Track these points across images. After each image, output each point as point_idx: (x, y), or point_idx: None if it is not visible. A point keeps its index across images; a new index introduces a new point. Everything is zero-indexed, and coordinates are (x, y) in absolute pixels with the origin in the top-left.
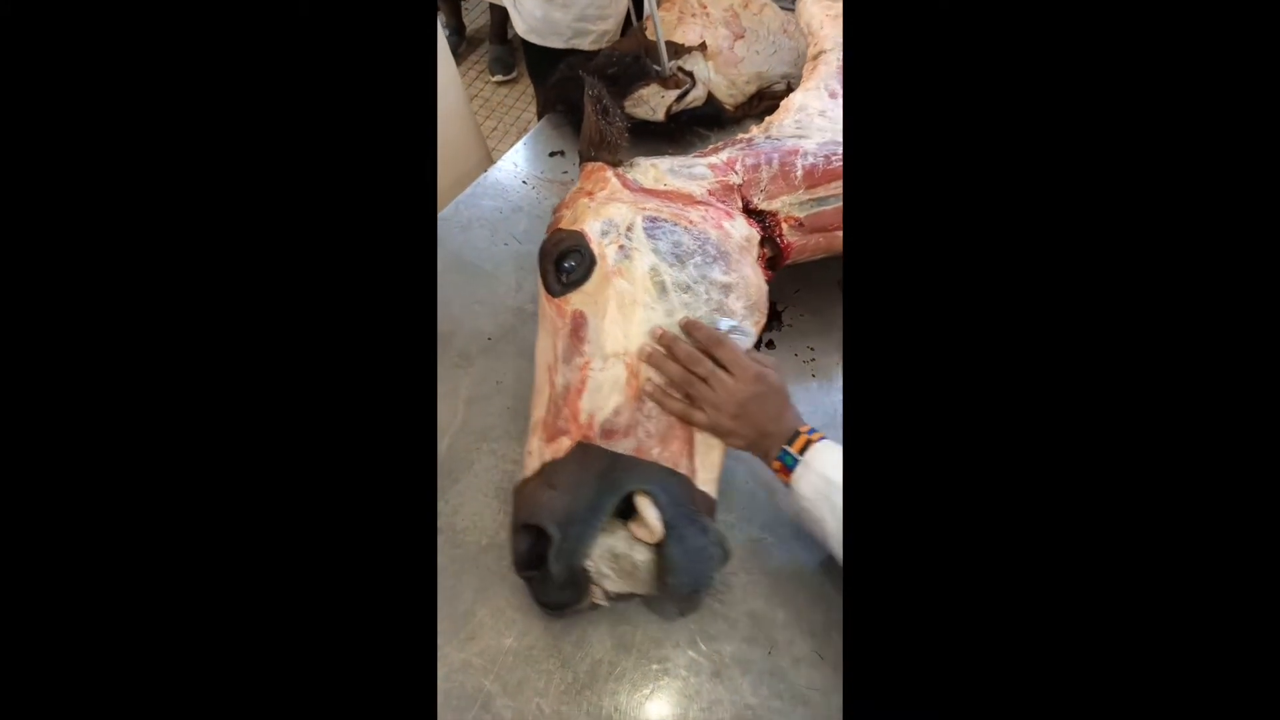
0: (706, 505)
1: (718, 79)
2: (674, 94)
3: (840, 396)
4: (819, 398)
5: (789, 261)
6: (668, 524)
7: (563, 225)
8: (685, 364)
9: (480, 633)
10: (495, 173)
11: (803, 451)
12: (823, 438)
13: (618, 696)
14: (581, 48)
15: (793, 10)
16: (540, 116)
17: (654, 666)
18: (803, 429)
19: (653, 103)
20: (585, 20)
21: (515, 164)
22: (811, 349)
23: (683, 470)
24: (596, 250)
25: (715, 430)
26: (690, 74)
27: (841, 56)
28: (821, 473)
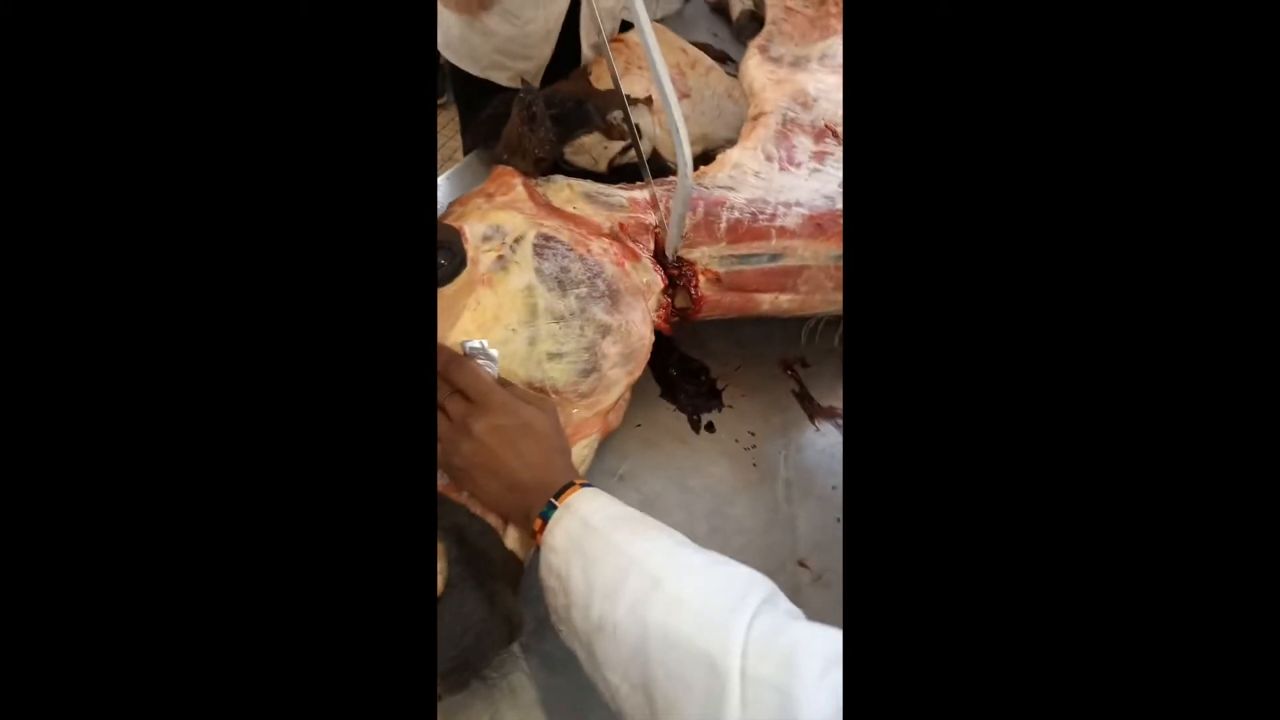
0: (509, 569)
1: (663, 135)
2: (618, 145)
3: (783, 489)
4: (760, 491)
5: (700, 317)
6: (450, 581)
7: (445, 219)
8: None
9: None
10: None
11: (559, 496)
12: (590, 485)
13: None
14: (497, 81)
15: (737, 75)
16: (466, 152)
17: None
18: (578, 481)
19: (594, 153)
20: (504, 54)
21: (437, 202)
22: (752, 434)
23: (492, 521)
24: (471, 252)
25: (449, 470)
26: (636, 126)
27: (780, 121)
28: (582, 516)
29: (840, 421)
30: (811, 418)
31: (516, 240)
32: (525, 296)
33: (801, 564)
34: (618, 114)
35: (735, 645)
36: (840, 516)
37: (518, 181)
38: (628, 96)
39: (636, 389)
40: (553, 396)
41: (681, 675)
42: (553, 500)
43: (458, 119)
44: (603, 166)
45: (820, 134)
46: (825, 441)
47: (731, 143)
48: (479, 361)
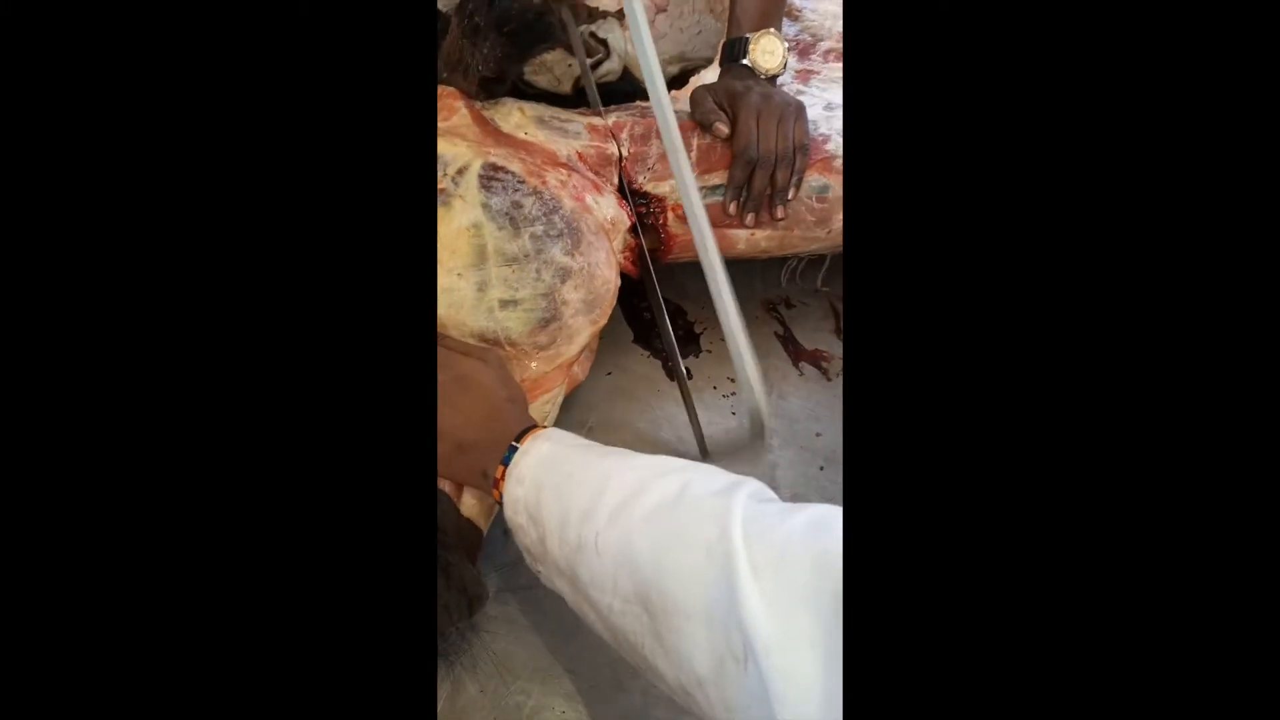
0: (468, 539)
1: (635, 55)
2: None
3: (764, 440)
4: (740, 440)
5: (670, 258)
6: None
7: None
8: None
9: None
10: None
11: (520, 439)
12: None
13: None
14: None
15: None
16: None
17: None
18: (538, 429)
19: (558, 71)
20: None
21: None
22: (732, 380)
23: (445, 488)
24: None
25: None
26: (604, 42)
27: None
28: (551, 443)
29: (824, 365)
30: (795, 361)
31: (460, 171)
32: (471, 236)
33: None
34: (585, 28)
35: (734, 521)
36: (824, 465)
37: (461, 104)
38: (595, 8)
39: (607, 333)
40: (507, 349)
41: (678, 569)
42: (514, 443)
43: None
44: (567, 87)
45: (806, 49)
46: (810, 387)
47: (710, 62)
48: None
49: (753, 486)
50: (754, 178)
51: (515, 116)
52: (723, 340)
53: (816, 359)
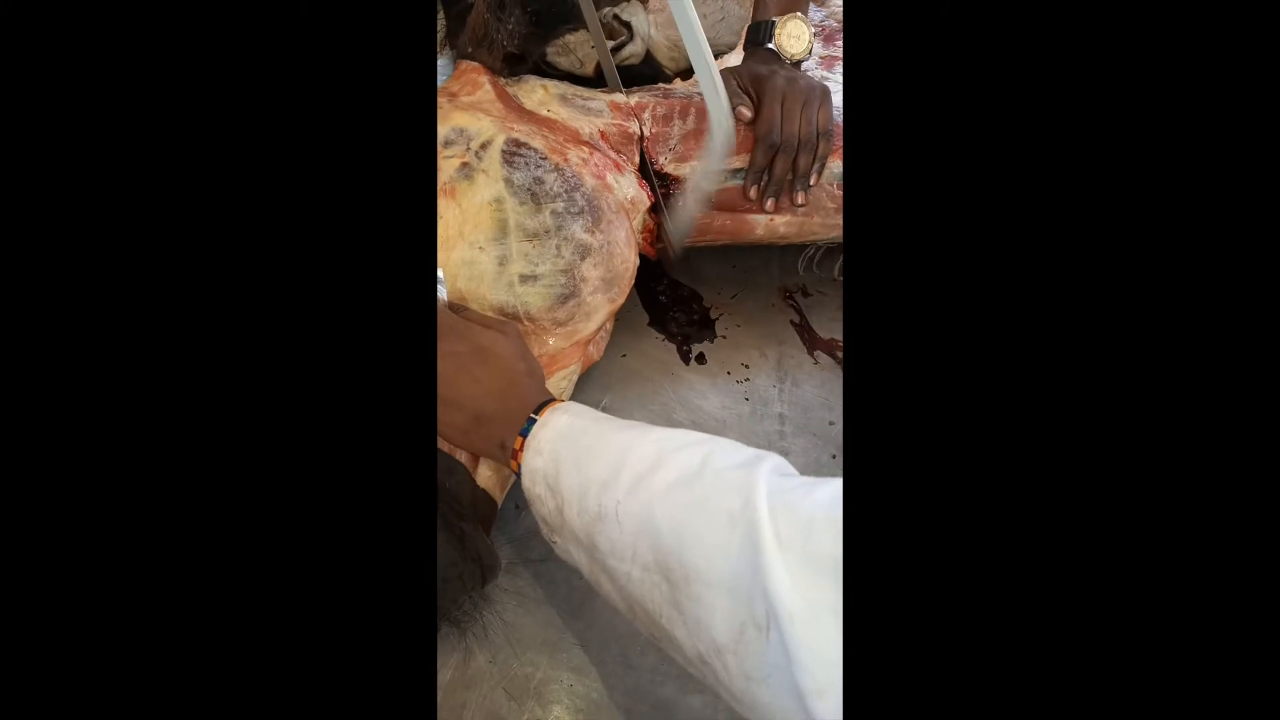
0: (483, 510)
1: (659, 37)
2: (608, 45)
3: (776, 425)
4: (752, 426)
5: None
6: None
7: None
8: None
9: None
10: None
11: (539, 411)
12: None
13: None
14: None
15: None
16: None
17: None
18: (556, 402)
19: (580, 53)
20: None
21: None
22: (746, 366)
23: (461, 459)
24: None
25: None
26: (628, 25)
27: None
28: (571, 415)
29: (839, 355)
30: (810, 350)
31: (483, 146)
32: (493, 210)
33: None
34: (609, 10)
35: (758, 493)
36: (835, 454)
37: (485, 80)
38: None
39: (623, 316)
40: (526, 324)
41: (700, 538)
42: (532, 415)
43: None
44: (589, 69)
45: (831, 35)
46: (824, 375)
47: (734, 48)
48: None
49: (774, 461)
50: (776, 162)
51: (538, 93)
52: (739, 326)
53: (831, 348)
